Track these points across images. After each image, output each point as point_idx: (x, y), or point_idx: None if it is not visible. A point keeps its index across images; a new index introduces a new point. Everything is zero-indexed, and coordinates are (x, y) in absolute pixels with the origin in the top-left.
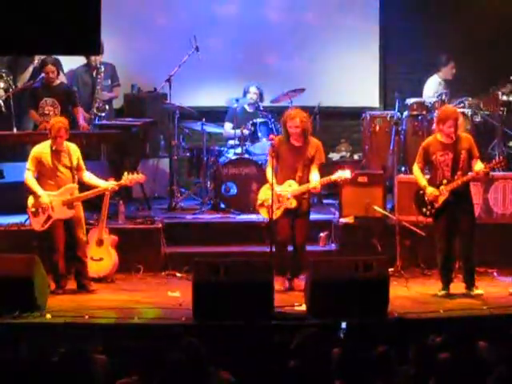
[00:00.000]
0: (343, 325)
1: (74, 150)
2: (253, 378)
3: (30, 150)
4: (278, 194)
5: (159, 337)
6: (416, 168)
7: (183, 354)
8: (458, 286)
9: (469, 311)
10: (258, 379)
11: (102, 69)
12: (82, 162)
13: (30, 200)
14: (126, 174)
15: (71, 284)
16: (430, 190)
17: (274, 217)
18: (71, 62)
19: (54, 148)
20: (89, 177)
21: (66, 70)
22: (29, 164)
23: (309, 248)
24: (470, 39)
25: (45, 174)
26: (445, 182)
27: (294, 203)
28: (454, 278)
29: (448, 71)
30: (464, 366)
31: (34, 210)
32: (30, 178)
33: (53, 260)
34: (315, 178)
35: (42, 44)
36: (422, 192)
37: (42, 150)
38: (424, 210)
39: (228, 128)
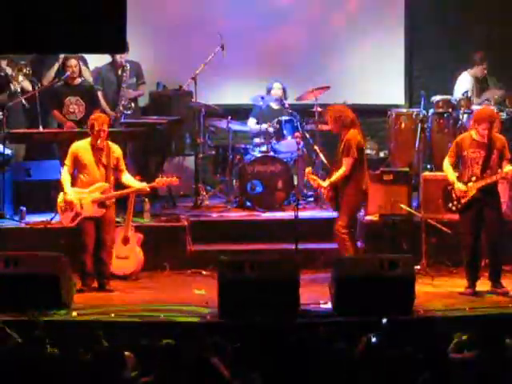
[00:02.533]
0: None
1: (114, 150)
2: (278, 377)
3: (56, 148)
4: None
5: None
6: (446, 162)
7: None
8: (484, 284)
9: (495, 309)
10: (283, 378)
11: (128, 67)
12: (122, 163)
13: (60, 196)
14: (160, 176)
15: (96, 282)
16: (459, 186)
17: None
18: (96, 61)
19: (94, 145)
20: (127, 178)
21: (91, 68)
22: (67, 160)
23: (334, 245)
24: (497, 36)
25: (80, 171)
26: (474, 179)
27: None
28: (480, 276)
29: (480, 70)
30: (491, 364)
31: (62, 205)
32: (63, 174)
33: (81, 258)
34: (334, 175)
35: (67, 42)
36: (450, 187)
37: (81, 146)
38: (450, 204)
39: (252, 124)
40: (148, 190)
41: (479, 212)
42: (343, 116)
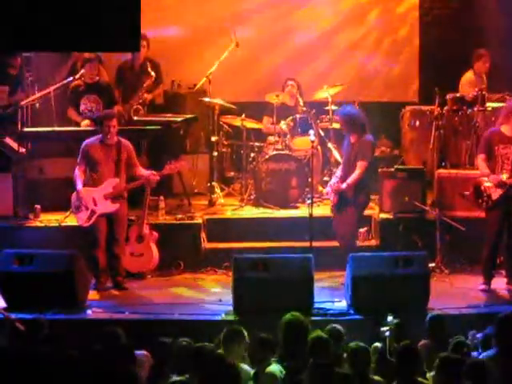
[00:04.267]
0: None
1: (125, 146)
2: (294, 373)
3: (70, 146)
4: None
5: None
6: (480, 159)
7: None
8: (499, 281)
9: (510, 306)
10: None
11: (153, 74)
12: (134, 159)
13: (74, 195)
14: (169, 163)
15: (111, 280)
16: (494, 176)
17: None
18: (115, 58)
19: (104, 141)
20: (141, 172)
21: (109, 66)
22: (79, 158)
23: None
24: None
25: (92, 168)
26: (505, 175)
27: (332, 199)
28: (496, 274)
29: (481, 65)
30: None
31: (76, 205)
32: (76, 172)
33: (94, 255)
34: (350, 177)
35: (81, 40)
36: (478, 183)
37: (91, 143)
38: (480, 201)
39: (267, 123)
40: (158, 177)
41: (506, 210)
42: (353, 120)
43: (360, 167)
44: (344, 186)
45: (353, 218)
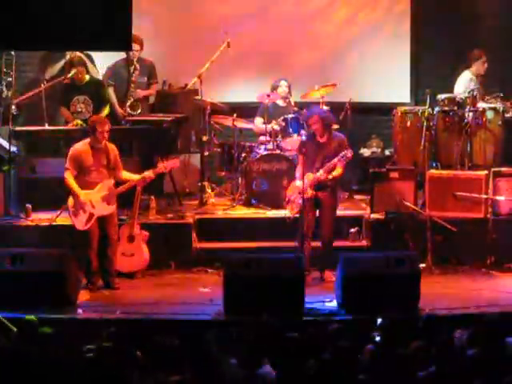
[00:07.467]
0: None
1: (112, 150)
2: (284, 375)
3: (62, 145)
4: (297, 187)
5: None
6: None
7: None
8: (489, 282)
9: (500, 307)
10: (289, 375)
11: (137, 66)
12: (119, 162)
13: (70, 200)
14: (160, 161)
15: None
16: None
17: (292, 213)
18: (111, 57)
19: (94, 146)
20: (126, 174)
21: (108, 63)
22: (68, 163)
23: (339, 244)
24: (503, 34)
25: (83, 173)
26: None
27: (309, 193)
28: (487, 274)
29: (480, 66)
30: (491, 362)
31: (74, 209)
32: (68, 177)
33: (87, 256)
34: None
35: (72, 39)
36: None
37: (81, 148)
38: None
39: (259, 123)
40: (153, 176)
41: None
42: (328, 120)
43: (342, 166)
44: (330, 176)
45: (332, 220)
